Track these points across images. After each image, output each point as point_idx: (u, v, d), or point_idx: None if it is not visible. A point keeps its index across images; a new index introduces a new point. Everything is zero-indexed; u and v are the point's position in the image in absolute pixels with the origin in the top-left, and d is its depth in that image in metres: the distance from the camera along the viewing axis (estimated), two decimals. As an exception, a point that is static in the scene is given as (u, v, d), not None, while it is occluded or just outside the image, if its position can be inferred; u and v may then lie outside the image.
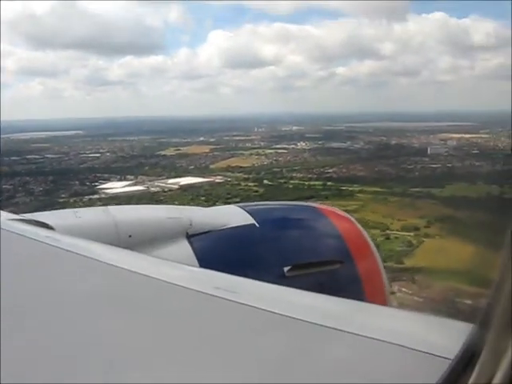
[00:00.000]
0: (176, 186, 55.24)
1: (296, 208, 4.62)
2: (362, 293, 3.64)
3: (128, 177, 59.17)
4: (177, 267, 2.40)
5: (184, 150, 72.88)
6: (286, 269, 3.49)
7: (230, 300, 1.71)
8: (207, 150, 72.20)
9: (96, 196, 51.78)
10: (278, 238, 3.91)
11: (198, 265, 3.33)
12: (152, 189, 54.91)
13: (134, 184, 56.56)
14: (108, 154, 70.55)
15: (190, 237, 3.59)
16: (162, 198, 51.59)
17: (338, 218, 4.18)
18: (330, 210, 4.35)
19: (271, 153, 69.57)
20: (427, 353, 1.32)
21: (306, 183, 56.63)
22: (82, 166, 63.91)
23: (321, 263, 3.64)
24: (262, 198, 50.84)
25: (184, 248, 3.51)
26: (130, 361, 1.43)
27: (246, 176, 60.04)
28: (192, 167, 64.52)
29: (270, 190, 54.26)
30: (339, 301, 1.85)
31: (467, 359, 1.09)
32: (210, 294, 1.76)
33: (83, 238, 2.77)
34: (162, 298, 1.85)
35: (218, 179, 58.58)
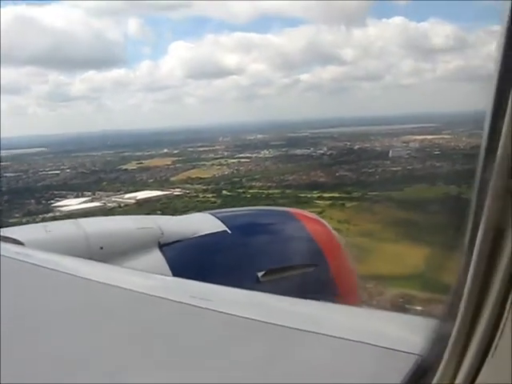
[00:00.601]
0: (133, 201, 53.84)
1: (267, 213, 4.71)
2: (335, 294, 3.70)
3: (85, 193, 57.55)
4: (150, 277, 2.42)
5: (146, 163, 71.57)
6: (259, 274, 3.52)
7: (206, 308, 1.75)
8: (169, 163, 71.07)
9: (50, 214, 50.20)
10: (251, 243, 4.02)
11: (171, 274, 3.33)
12: (109, 204, 53.50)
13: (91, 200, 55.20)
14: (68, 170, 68.96)
15: (162, 246, 3.61)
16: (117, 213, 50.22)
17: (309, 221, 4.24)
18: (301, 213, 4.40)
19: (233, 162, 68.67)
20: (394, 349, 1.39)
21: (265, 192, 55.68)
22: (39, 184, 62.20)
23: (294, 267, 3.70)
24: (219, 209, 49.59)
25: (156, 257, 3.53)
26: (108, 372, 1.42)
27: (204, 187, 59.20)
28: (152, 180, 63.32)
29: (228, 200, 53.38)
30: (313, 303, 1.90)
31: (433, 355, 1.18)
32: (186, 303, 1.79)
33: (54, 252, 2.76)
34: (137, 309, 1.84)
35: (177, 192, 57.27)
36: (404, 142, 70.91)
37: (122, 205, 53.39)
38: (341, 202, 50.78)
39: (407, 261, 36.37)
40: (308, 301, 1.91)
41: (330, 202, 51.07)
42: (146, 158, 75.04)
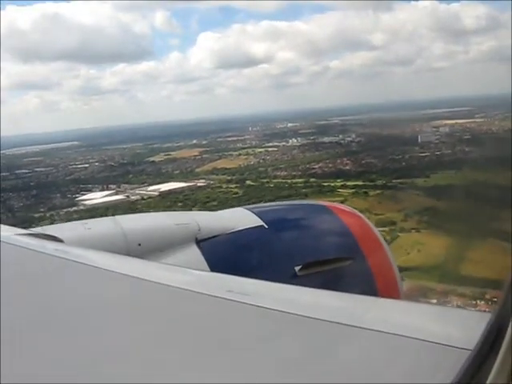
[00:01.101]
0: (156, 193, 53.48)
1: (303, 207, 4.58)
2: (374, 288, 3.55)
3: (110, 186, 57.42)
4: (188, 273, 2.39)
5: (174, 154, 71.32)
6: (297, 268, 3.40)
7: (244, 302, 1.69)
8: (196, 153, 70.39)
9: (74, 208, 50.28)
10: (287, 238, 3.83)
11: (208, 269, 3.26)
12: (132, 197, 53.25)
13: (115, 193, 54.95)
14: (97, 163, 69.03)
15: (199, 242, 3.50)
16: (139, 206, 50.07)
17: (346, 214, 4.09)
18: (338, 207, 4.29)
19: (260, 152, 67.71)
20: (445, 345, 1.31)
21: (289, 181, 54.72)
22: (68, 178, 62.35)
23: (331, 260, 3.54)
24: (240, 200, 49.47)
25: (194, 253, 3.43)
26: (147, 368, 1.42)
27: (229, 178, 58.46)
28: (177, 172, 62.90)
29: (250, 191, 52.74)
30: (352, 297, 1.85)
31: (487, 349, 1.13)
32: (223, 298, 1.75)
33: (93, 249, 2.72)
34: (175, 304, 1.83)
35: (200, 183, 56.78)
36: (434, 127, 69.74)
37: (146, 197, 53.17)
38: (364, 190, 49.46)
39: (427, 251, 35.15)
40: (347, 294, 1.86)
41: (354, 190, 49.79)
42: (175, 149, 74.74)
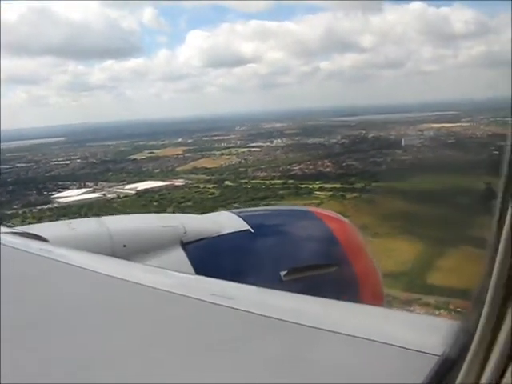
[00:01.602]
0: (133, 192, 52.51)
1: (289, 212, 4.60)
2: (358, 294, 3.60)
3: (88, 184, 56.35)
4: (172, 275, 2.37)
5: (157, 152, 70.47)
6: (282, 273, 3.38)
7: (227, 306, 1.70)
8: (180, 152, 69.57)
9: (48, 206, 49.26)
10: (273, 242, 3.84)
11: (193, 272, 3.23)
12: (109, 195, 52.25)
13: (92, 191, 53.90)
14: (79, 160, 67.95)
15: (184, 245, 3.48)
16: (114, 204, 49.13)
17: (331, 220, 4.08)
18: (324, 212, 4.24)
19: (243, 152, 67.11)
20: (418, 351, 1.35)
21: (268, 182, 53.84)
22: (48, 174, 61.27)
23: (317, 266, 3.54)
24: (215, 200, 48.75)
25: (179, 256, 3.40)
26: (129, 369, 1.43)
27: (208, 177, 57.57)
28: (158, 171, 61.94)
29: (226, 191, 52.06)
30: (335, 303, 1.86)
31: (455, 355, 1.18)
32: (207, 301, 1.76)
33: (78, 249, 2.72)
34: (158, 306, 1.83)
35: (178, 182, 55.84)
36: (420, 131, 69.29)
37: (122, 196, 52.19)
38: (342, 193, 48.71)
39: (397, 257, 34.33)
40: (330, 300, 1.84)
41: (331, 193, 48.98)
42: (159, 147, 73.87)
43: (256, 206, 46.67)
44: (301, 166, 58.25)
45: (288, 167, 58.38)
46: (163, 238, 3.51)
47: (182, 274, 2.54)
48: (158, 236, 3.52)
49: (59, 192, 53.80)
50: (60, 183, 56.94)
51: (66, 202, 49.51)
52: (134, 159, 67.61)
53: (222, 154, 66.82)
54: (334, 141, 69.40)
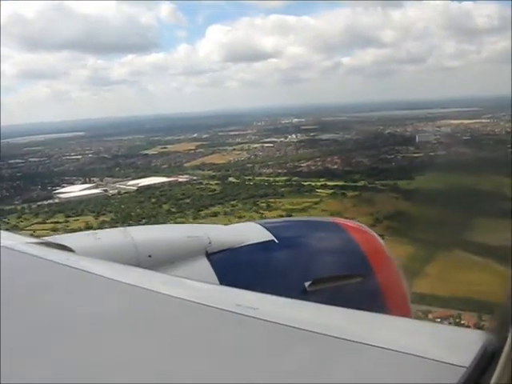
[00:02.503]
0: (134, 188, 51.63)
1: (314, 223, 4.50)
2: (384, 305, 3.48)
3: (93, 179, 55.67)
4: (197, 286, 2.38)
5: (170, 148, 69.64)
6: (306, 284, 3.34)
7: (252, 316, 1.69)
8: (192, 147, 68.61)
9: (48, 201, 48.64)
10: (297, 253, 3.71)
11: (218, 283, 3.22)
12: (110, 191, 51.40)
13: (95, 187, 53.17)
14: (91, 155, 67.47)
15: (209, 255, 3.46)
16: (113, 201, 48.35)
17: (356, 231, 3.93)
18: (349, 224, 4.07)
19: (256, 147, 65.90)
20: (447, 363, 1.33)
21: (272, 179, 52.49)
22: (58, 169, 60.90)
23: (342, 277, 3.48)
24: (214, 197, 47.75)
25: (204, 266, 3.39)
26: (153, 380, 1.44)
27: (214, 173, 56.47)
28: (165, 166, 60.98)
29: (227, 188, 50.79)
30: (361, 314, 1.81)
31: (483, 367, 1.20)
32: (232, 311, 1.74)
33: (103, 259, 2.76)
34: (183, 316, 1.82)
35: (183, 178, 54.84)
36: (437, 127, 67.64)
37: (123, 192, 51.30)
38: (344, 191, 47.04)
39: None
40: (355, 311, 1.76)
41: (333, 190, 47.30)
42: (174, 142, 73.04)
43: (254, 202, 45.96)
44: (309, 162, 56.85)
45: (296, 164, 57.04)
46: (188, 248, 3.44)
47: (206, 285, 2.46)
48: (183, 246, 3.45)
49: (62, 187, 53.18)
50: (66, 178, 56.37)
51: (66, 198, 48.81)
52: (146, 154, 66.81)
53: (234, 150, 65.73)
54: (349, 137, 67.86)
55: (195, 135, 78.04)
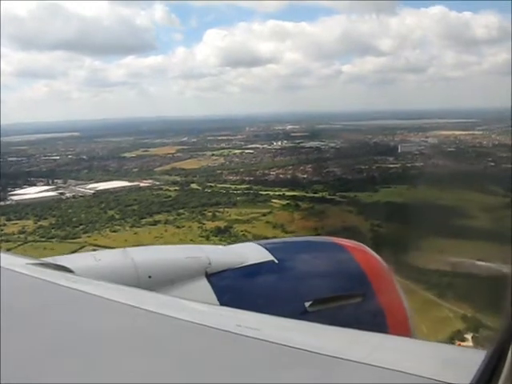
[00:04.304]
0: (91, 192, 48.95)
1: (314, 243, 4.40)
2: (385, 325, 3.43)
3: (56, 181, 53.13)
4: (197, 306, 2.36)
5: (151, 151, 67.17)
6: (307, 304, 3.28)
7: (252, 337, 1.67)
8: (173, 151, 65.97)
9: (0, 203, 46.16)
10: (298, 273, 3.67)
11: (218, 303, 3.18)
12: (67, 194, 48.75)
13: (54, 189, 50.62)
14: (70, 156, 65.18)
15: (209, 276, 3.40)
16: (62, 205, 45.73)
17: (357, 251, 3.87)
18: (349, 244, 4.00)
19: (235, 153, 63.44)
20: (448, 383, 1.34)
21: (234, 187, 49.26)
22: (29, 169, 58.64)
23: (342, 297, 3.41)
24: (163, 205, 44.93)
25: (204, 287, 3.32)
26: None
27: (179, 179, 53.88)
28: (136, 170, 58.36)
29: (182, 195, 47.98)
30: (362, 334, 1.83)
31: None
32: (232, 332, 1.73)
33: (103, 280, 2.71)
34: (184, 337, 1.80)
35: (144, 183, 52.18)
36: (426, 138, 64.72)
37: (79, 195, 48.64)
38: (299, 202, 43.72)
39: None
40: (356, 331, 1.79)
41: (288, 201, 44.05)
42: (160, 145, 70.28)
43: (201, 212, 43.19)
44: (280, 170, 53.89)
45: (266, 172, 54.09)
46: (188, 269, 3.32)
47: (206, 305, 2.46)
48: (183, 267, 3.32)
49: (21, 189, 50.71)
50: (31, 179, 53.94)
51: (18, 200, 46.24)
52: (124, 157, 64.29)
53: (213, 155, 63.02)
54: (332, 145, 64.79)
55: (185, 139, 75.43)
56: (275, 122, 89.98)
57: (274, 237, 36.14)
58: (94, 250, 35.42)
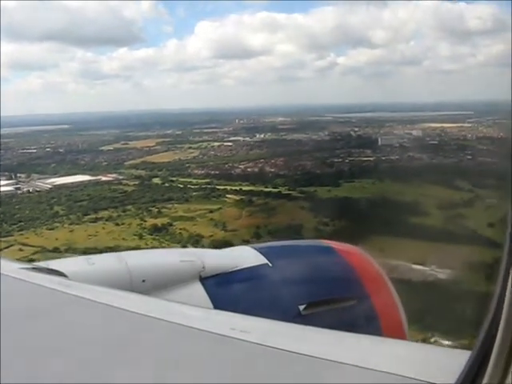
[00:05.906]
0: (49, 186, 46.57)
1: (308, 246, 4.44)
2: (378, 328, 3.47)
3: (20, 175, 50.80)
4: (191, 310, 2.36)
5: (131, 144, 64.38)
6: (301, 307, 3.32)
7: (246, 340, 1.68)
8: (152, 144, 63.06)
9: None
10: (291, 277, 3.67)
11: (212, 307, 3.17)
12: (24, 189, 46.41)
13: (14, 184, 48.35)
14: (48, 149, 62.78)
15: (203, 279, 3.41)
16: (14, 199, 43.54)
17: (350, 254, 3.94)
18: (343, 247, 4.09)
19: (213, 146, 60.46)
20: (430, 383, 1.35)
21: (194, 181, 46.92)
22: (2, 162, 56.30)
23: (336, 300, 3.45)
24: (114, 200, 42.73)
25: (198, 291, 3.33)
26: None
27: (146, 173, 51.32)
28: (106, 163, 55.72)
29: (137, 190, 45.75)
30: (355, 337, 1.82)
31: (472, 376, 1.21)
32: (226, 335, 1.73)
33: (97, 284, 2.70)
34: (178, 341, 1.81)
35: (106, 177, 49.82)
36: (409, 130, 61.65)
37: (36, 190, 46.30)
38: (254, 197, 41.02)
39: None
40: (349, 334, 1.77)
41: (243, 196, 41.30)
42: (142, 138, 67.06)
43: (146, 208, 40.53)
44: (249, 164, 51.08)
45: (234, 165, 51.73)
46: (182, 273, 3.33)
47: (200, 309, 2.42)
48: (177, 271, 3.34)
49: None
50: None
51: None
52: (101, 150, 61.72)
53: (190, 148, 60.17)
54: (315, 137, 61.71)
55: (170, 131, 72.65)
56: (268, 115, 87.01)
57: (211, 236, 33.85)
58: (21, 249, 34.63)
